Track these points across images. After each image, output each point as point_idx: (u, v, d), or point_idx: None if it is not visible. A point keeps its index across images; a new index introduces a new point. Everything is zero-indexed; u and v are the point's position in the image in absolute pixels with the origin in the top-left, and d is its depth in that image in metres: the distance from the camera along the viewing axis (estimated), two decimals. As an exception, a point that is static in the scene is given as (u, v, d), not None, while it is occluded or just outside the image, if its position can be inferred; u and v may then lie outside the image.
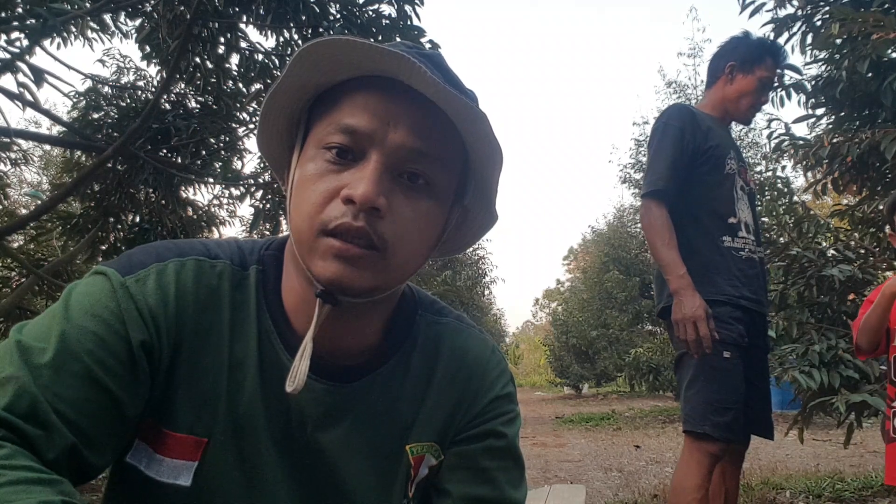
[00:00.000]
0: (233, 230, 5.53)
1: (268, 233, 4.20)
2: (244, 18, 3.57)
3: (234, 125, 4.32)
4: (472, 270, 15.29)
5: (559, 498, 3.04)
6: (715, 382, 1.91)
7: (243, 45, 3.74)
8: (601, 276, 15.35)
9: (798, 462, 5.16)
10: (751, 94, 2.16)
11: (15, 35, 2.53)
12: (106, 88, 4.29)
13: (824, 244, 3.94)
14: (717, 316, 1.90)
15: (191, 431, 0.65)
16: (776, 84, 3.22)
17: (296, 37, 3.58)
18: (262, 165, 4.54)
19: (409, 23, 3.41)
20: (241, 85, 4.11)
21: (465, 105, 0.60)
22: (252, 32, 4.38)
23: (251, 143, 4.86)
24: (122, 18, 3.93)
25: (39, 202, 4.41)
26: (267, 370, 0.67)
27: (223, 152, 4.47)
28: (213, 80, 3.86)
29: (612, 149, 40.14)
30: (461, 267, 14.45)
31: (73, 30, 3.77)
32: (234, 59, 3.87)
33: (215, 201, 5.02)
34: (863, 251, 3.75)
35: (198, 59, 3.63)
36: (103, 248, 4.33)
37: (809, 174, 3.85)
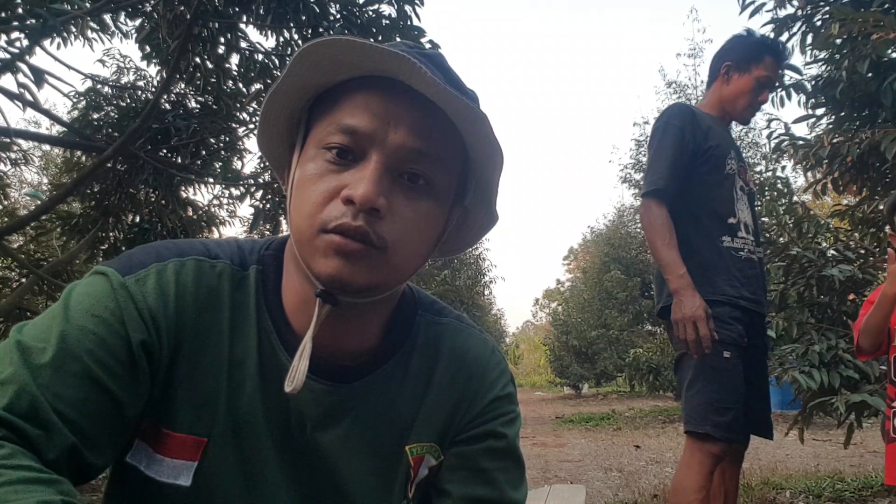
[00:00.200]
0: (233, 230, 5.54)
1: (268, 233, 4.20)
2: (244, 18, 3.57)
3: (234, 125, 4.33)
4: (471, 270, 15.30)
5: (559, 498, 3.04)
6: (715, 382, 1.91)
7: (243, 45, 3.75)
8: (601, 276, 15.34)
9: (798, 462, 5.16)
10: (747, 94, 2.15)
11: (15, 35, 2.53)
12: (106, 88, 4.30)
13: (824, 244, 3.94)
14: (716, 316, 1.90)
15: (190, 431, 0.65)
16: (776, 84, 3.22)
17: (296, 37, 3.58)
18: (262, 165, 4.54)
19: (409, 23, 3.41)
20: (241, 85, 4.11)
21: (465, 105, 0.60)
22: (252, 32, 4.39)
23: (251, 143, 4.87)
24: (122, 18, 3.93)
25: (39, 202, 4.41)
26: (267, 370, 0.67)
27: (223, 152, 4.48)
28: (213, 80, 3.87)
29: (612, 149, 40.12)
30: (460, 266, 14.46)
31: (73, 30, 3.77)
32: (234, 59, 3.87)
33: (215, 201, 5.03)
34: (863, 251, 3.75)
35: (198, 59, 3.63)
36: (103, 248, 4.33)
37: (809, 174, 3.85)
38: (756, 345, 2.03)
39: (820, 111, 3.86)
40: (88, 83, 4.26)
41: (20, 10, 2.46)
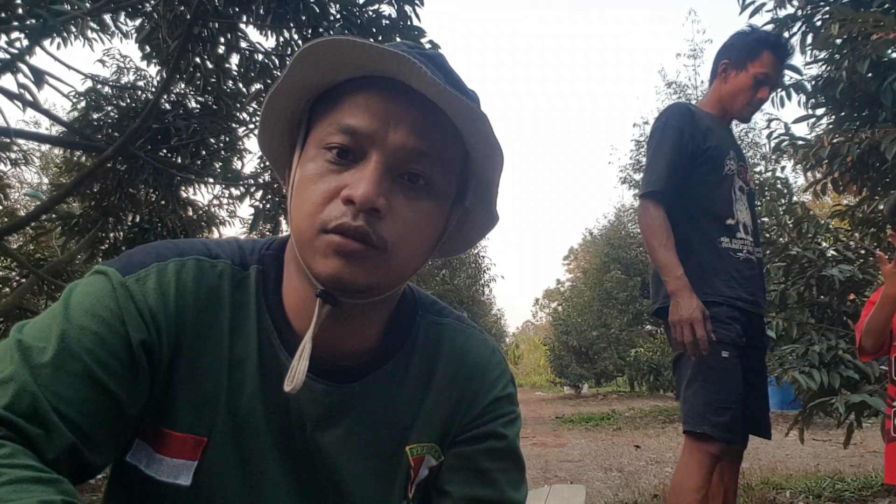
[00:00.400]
0: (233, 230, 5.54)
1: (268, 233, 4.20)
2: (244, 18, 3.57)
3: (234, 125, 4.33)
4: (470, 269, 15.30)
5: (559, 498, 3.04)
6: (713, 382, 1.90)
7: (243, 45, 3.75)
8: (601, 276, 15.35)
9: (798, 462, 5.16)
10: (745, 92, 2.12)
11: (15, 35, 2.53)
12: (106, 88, 4.30)
13: (824, 244, 3.94)
14: (714, 316, 1.90)
15: (190, 431, 0.65)
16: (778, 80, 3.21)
17: (296, 37, 3.58)
18: (262, 165, 4.54)
19: (409, 23, 3.41)
20: (241, 85, 4.12)
21: (465, 106, 0.60)
22: (252, 32, 4.38)
23: (251, 143, 4.87)
24: (122, 18, 3.93)
25: (39, 202, 4.41)
26: (267, 370, 0.67)
27: (223, 152, 4.48)
28: (213, 80, 3.87)
29: (611, 150, 40.10)
30: (459, 265, 14.47)
31: (73, 30, 3.77)
32: (234, 59, 3.87)
33: (215, 201, 5.03)
34: (863, 251, 3.75)
35: (198, 59, 3.64)
36: (103, 248, 4.33)
37: (809, 174, 3.85)
38: (754, 345, 2.03)
39: (820, 111, 3.86)
40: (88, 83, 4.26)
41: (20, 11, 2.46)
